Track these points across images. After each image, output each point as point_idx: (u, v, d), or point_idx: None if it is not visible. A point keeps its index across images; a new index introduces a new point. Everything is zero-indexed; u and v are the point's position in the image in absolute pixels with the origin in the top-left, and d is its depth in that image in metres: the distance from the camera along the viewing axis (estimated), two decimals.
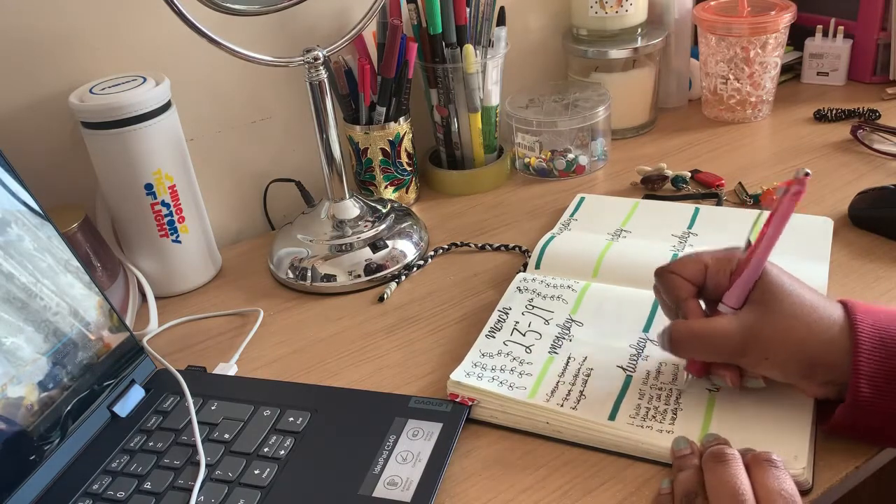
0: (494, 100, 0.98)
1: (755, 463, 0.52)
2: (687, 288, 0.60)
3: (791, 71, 1.17)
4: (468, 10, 0.92)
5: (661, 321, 0.69)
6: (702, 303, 0.60)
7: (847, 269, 0.76)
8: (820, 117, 1.05)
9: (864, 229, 0.80)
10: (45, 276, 0.63)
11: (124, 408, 0.66)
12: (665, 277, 0.61)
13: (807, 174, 0.53)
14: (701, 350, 0.59)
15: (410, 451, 0.59)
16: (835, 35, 1.13)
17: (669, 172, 0.94)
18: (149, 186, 0.79)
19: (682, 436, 0.56)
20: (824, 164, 0.95)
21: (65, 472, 0.60)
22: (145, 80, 0.78)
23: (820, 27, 1.13)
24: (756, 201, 0.88)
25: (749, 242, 0.59)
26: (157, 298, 0.83)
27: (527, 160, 1.01)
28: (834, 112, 1.05)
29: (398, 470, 0.57)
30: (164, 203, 0.81)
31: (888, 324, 0.54)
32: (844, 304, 0.56)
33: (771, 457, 0.52)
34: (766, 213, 0.66)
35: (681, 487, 0.52)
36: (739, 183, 0.91)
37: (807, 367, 0.55)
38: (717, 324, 0.57)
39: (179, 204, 0.82)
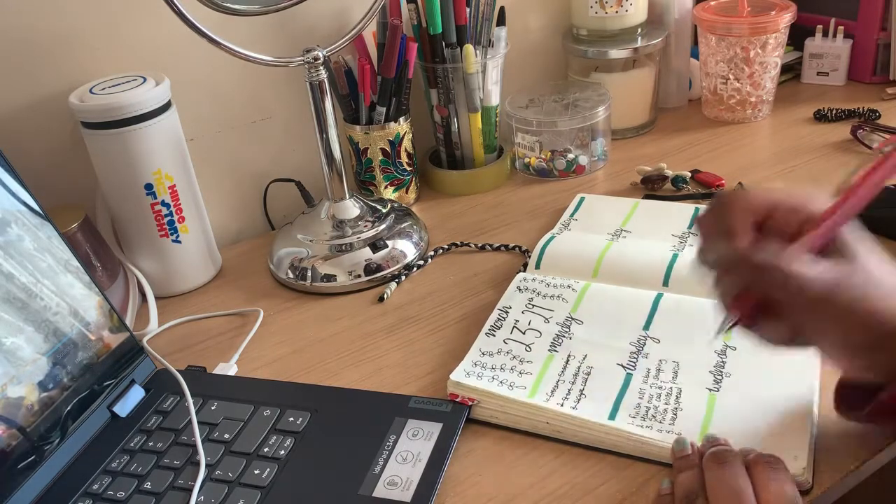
0: (494, 100, 0.98)
1: (756, 464, 0.52)
2: (746, 216, 0.51)
3: (791, 71, 1.17)
4: (468, 10, 0.92)
5: (662, 320, 0.69)
6: None
7: None
8: (820, 117, 1.05)
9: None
10: (45, 276, 0.63)
11: (124, 408, 0.66)
12: (725, 200, 0.52)
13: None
14: (775, 280, 0.49)
15: (410, 451, 0.59)
16: (835, 35, 1.13)
17: (669, 172, 0.94)
18: (149, 186, 0.79)
19: (683, 436, 0.56)
20: (824, 164, 0.95)
21: (65, 472, 0.60)
22: (145, 80, 0.78)
23: (820, 27, 1.13)
24: None
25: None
26: (157, 298, 0.83)
27: (527, 160, 1.01)
28: (834, 112, 1.05)
29: (398, 470, 0.57)
30: (164, 203, 0.81)
31: None
32: None
33: (772, 458, 0.52)
34: None
35: (681, 488, 0.52)
36: (739, 183, 0.91)
37: (874, 341, 0.48)
38: (806, 264, 0.48)
39: (179, 204, 0.82)
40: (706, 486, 0.51)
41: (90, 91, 0.77)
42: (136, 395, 0.67)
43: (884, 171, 0.49)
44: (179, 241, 0.83)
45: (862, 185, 0.50)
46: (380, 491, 0.55)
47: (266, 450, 0.60)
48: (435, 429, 0.60)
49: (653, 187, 0.94)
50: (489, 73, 0.96)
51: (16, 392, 0.58)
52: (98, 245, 0.81)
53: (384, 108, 0.91)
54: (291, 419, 0.63)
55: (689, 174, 0.94)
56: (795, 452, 0.54)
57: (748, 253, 0.50)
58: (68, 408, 0.62)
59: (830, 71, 1.15)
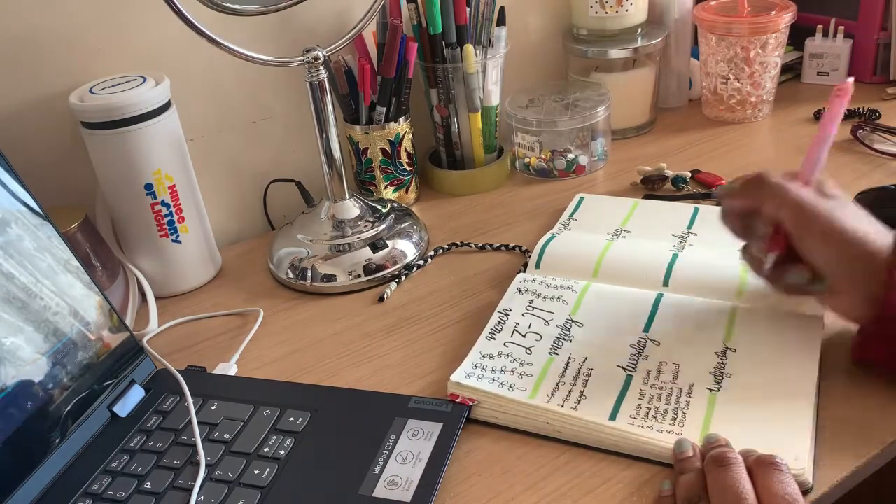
0: (494, 100, 0.98)
1: (758, 466, 0.52)
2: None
3: (791, 71, 1.17)
4: (468, 10, 0.92)
5: (662, 321, 0.69)
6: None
7: None
8: (820, 117, 1.05)
9: None
10: (45, 276, 0.63)
11: (124, 408, 0.66)
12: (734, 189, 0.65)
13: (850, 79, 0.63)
14: (789, 199, 0.60)
15: (410, 451, 0.59)
16: (835, 35, 1.13)
17: (669, 172, 0.94)
18: (148, 186, 0.79)
19: (684, 438, 0.56)
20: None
21: (65, 471, 0.60)
22: (145, 79, 0.78)
23: (820, 27, 1.13)
24: None
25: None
26: (157, 298, 0.83)
27: (527, 160, 1.01)
28: None
29: (398, 470, 0.57)
30: (163, 203, 0.81)
31: None
32: None
33: (774, 460, 0.52)
34: None
35: (683, 491, 0.52)
36: None
37: (849, 260, 0.58)
38: (798, 187, 0.61)
39: (179, 204, 0.82)
40: (707, 489, 0.51)
41: (90, 91, 0.77)
42: (136, 395, 0.67)
43: (836, 105, 0.62)
44: (179, 241, 0.83)
45: (823, 122, 0.63)
46: (380, 491, 0.55)
47: (266, 450, 0.60)
48: (435, 429, 0.60)
49: (653, 187, 0.94)
50: (489, 73, 0.96)
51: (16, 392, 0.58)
52: (98, 245, 0.81)
53: (384, 109, 0.91)
54: (291, 419, 0.63)
55: (690, 174, 0.94)
56: (796, 453, 0.54)
57: (763, 176, 0.62)
58: (68, 408, 0.62)
59: (831, 71, 1.15)
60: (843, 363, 0.63)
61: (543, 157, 0.99)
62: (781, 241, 0.62)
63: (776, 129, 1.06)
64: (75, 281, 0.65)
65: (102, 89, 0.77)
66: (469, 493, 0.57)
